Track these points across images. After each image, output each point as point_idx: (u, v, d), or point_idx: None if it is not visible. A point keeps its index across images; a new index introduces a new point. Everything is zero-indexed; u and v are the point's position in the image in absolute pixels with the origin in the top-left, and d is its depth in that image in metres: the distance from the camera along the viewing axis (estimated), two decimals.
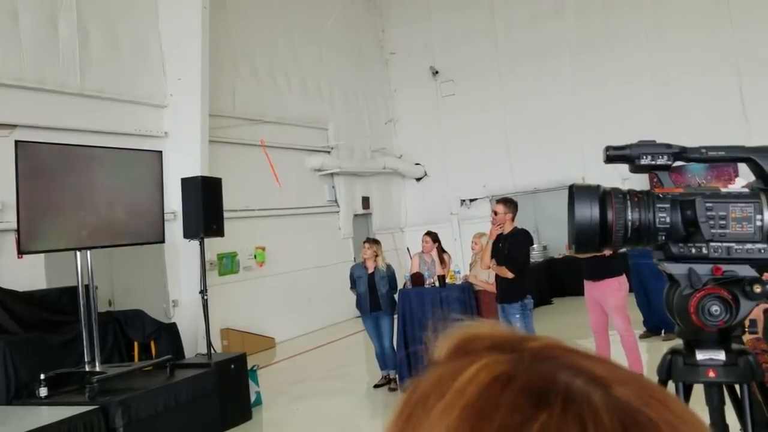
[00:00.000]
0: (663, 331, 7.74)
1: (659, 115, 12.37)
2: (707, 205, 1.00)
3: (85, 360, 5.78)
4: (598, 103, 13.17)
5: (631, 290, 6.89)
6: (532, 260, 7.02)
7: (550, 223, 12.92)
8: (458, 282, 7.17)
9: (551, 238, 12.85)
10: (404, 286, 7.22)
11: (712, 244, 1.02)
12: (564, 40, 13.82)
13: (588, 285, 6.42)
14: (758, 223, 1.00)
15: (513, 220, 6.18)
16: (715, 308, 1.00)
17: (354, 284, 7.19)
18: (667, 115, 12.26)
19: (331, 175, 13.09)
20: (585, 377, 0.36)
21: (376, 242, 7.32)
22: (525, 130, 14.02)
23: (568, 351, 0.39)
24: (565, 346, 0.39)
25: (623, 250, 6.48)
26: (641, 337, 7.70)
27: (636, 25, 13.11)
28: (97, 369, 5.72)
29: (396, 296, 7.18)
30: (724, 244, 1.02)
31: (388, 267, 7.21)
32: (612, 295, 6.22)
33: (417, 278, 7.15)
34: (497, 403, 0.34)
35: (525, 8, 14.22)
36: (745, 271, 1.01)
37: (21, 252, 5.82)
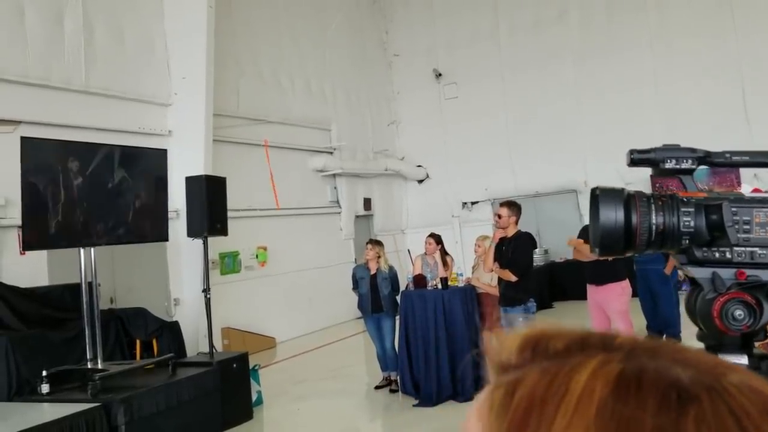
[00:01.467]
0: (664, 337, 7.75)
1: (662, 121, 12.38)
2: (732, 209, 1.00)
3: (87, 357, 5.78)
4: (601, 108, 13.19)
5: (635, 295, 6.89)
6: (533, 264, 7.02)
7: (551, 227, 12.93)
8: (460, 284, 7.17)
9: (553, 242, 12.86)
10: (406, 287, 7.22)
11: (736, 248, 1.02)
12: (568, 45, 13.83)
13: (591, 289, 6.42)
14: None
15: (517, 223, 6.18)
16: (739, 312, 1.00)
17: (356, 285, 7.20)
18: (669, 121, 12.27)
19: (334, 176, 13.10)
20: (696, 369, 0.36)
21: (378, 243, 7.32)
22: (527, 133, 14.03)
23: (657, 344, 0.39)
24: (647, 340, 0.39)
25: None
26: None
27: (640, 31, 13.12)
28: (99, 366, 5.71)
29: (398, 298, 7.17)
30: (748, 249, 1.02)
31: (391, 268, 7.22)
32: (615, 299, 6.23)
33: (419, 280, 7.14)
34: (640, 403, 0.33)
35: (529, 12, 14.23)
36: None
37: (24, 248, 5.83)
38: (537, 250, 10.84)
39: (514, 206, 6.29)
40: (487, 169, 14.35)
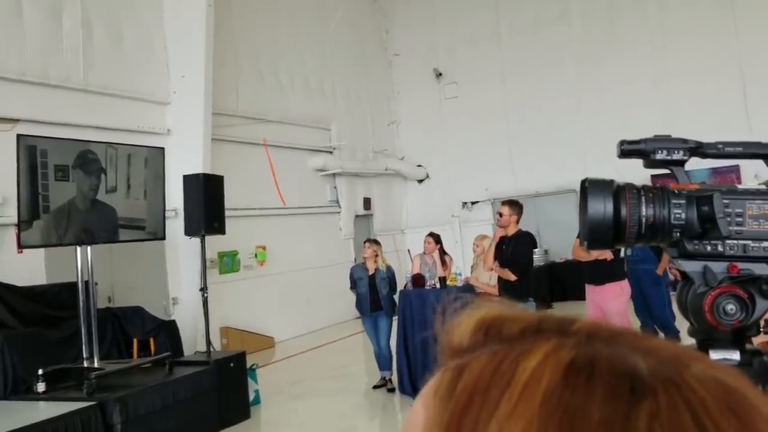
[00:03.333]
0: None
1: (662, 121, 12.33)
2: (724, 201, 0.98)
3: (84, 356, 5.76)
4: (601, 108, 13.16)
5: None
6: (533, 263, 6.99)
7: (551, 227, 12.89)
8: (459, 284, 7.14)
9: (552, 242, 12.83)
10: (405, 287, 7.20)
11: (728, 241, 0.99)
12: (568, 44, 13.81)
13: (590, 289, 6.40)
14: None
15: (518, 222, 6.17)
16: (731, 307, 0.98)
17: (354, 285, 7.17)
18: (670, 121, 12.21)
19: (333, 175, 13.07)
20: (656, 358, 0.33)
21: (376, 242, 7.31)
22: (527, 133, 14.00)
23: (618, 330, 0.36)
24: (608, 326, 0.37)
25: (622, 255, 6.42)
26: None
27: (640, 31, 13.10)
28: (96, 365, 5.69)
29: (396, 297, 7.15)
30: (741, 242, 0.99)
31: (389, 268, 7.19)
32: (614, 299, 6.20)
33: (418, 279, 7.12)
34: (589, 393, 0.31)
35: (530, 12, 14.21)
36: (762, 269, 0.99)
37: (21, 246, 5.81)
38: (537, 250, 10.82)
39: (515, 205, 6.27)
40: (487, 169, 14.32)
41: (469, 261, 8.42)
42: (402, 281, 7.57)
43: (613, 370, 0.32)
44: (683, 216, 0.99)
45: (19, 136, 5.57)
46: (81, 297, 5.80)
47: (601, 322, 0.37)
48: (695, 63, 12.45)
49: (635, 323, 6.96)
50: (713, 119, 11.81)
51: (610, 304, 6.20)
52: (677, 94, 12.53)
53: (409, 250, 9.31)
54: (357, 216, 13.67)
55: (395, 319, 7.07)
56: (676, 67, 12.68)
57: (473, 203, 14.86)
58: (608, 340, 0.35)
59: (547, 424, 0.30)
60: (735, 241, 0.99)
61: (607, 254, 6.10)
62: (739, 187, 1.01)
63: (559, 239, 12.05)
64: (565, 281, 11.66)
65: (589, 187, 1.02)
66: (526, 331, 0.37)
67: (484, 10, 14.63)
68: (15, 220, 5.83)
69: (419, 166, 15.40)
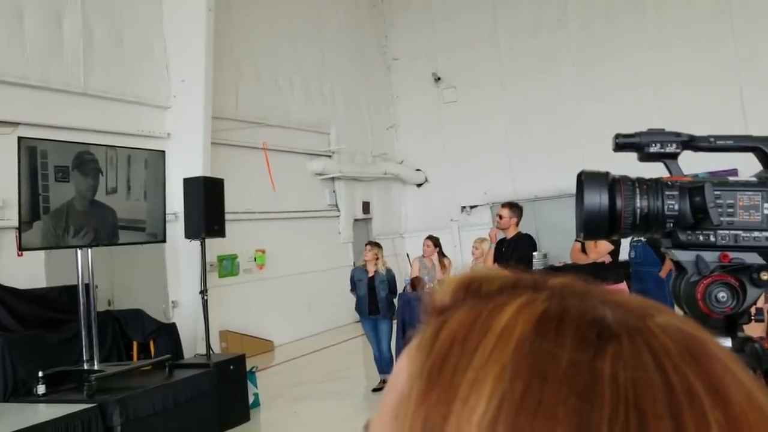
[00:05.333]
0: None
1: (661, 124, 12.12)
2: (716, 192, 1.00)
3: (84, 358, 5.77)
4: (600, 112, 13.19)
5: None
6: (533, 268, 7.02)
7: (550, 231, 12.90)
8: None
9: (552, 246, 12.84)
10: (404, 290, 7.22)
11: (719, 231, 1.02)
12: (567, 49, 13.86)
13: None
14: (765, 212, 1.01)
15: (517, 224, 6.18)
16: (722, 295, 1.00)
17: (354, 287, 7.20)
18: (668, 126, 12.08)
19: (332, 179, 13.10)
20: (623, 309, 0.36)
21: (377, 245, 7.33)
22: (526, 137, 14.04)
23: (589, 286, 0.39)
24: (582, 283, 0.39)
25: (621, 258, 6.42)
26: None
27: (638, 35, 13.15)
28: (96, 367, 5.71)
29: (395, 300, 7.17)
30: (732, 232, 1.02)
31: (388, 271, 7.22)
32: None
33: (417, 282, 7.15)
34: (558, 339, 0.33)
35: (528, 17, 14.26)
36: (753, 258, 1.02)
37: (21, 249, 5.83)
38: (537, 253, 10.83)
39: (515, 207, 6.29)
40: (486, 172, 14.34)
41: (469, 265, 8.45)
42: (401, 284, 7.60)
43: (581, 319, 0.34)
44: (676, 207, 1.02)
45: (20, 139, 5.60)
46: (81, 300, 5.82)
47: (577, 280, 0.40)
48: (693, 68, 12.49)
49: None
50: (711, 124, 11.72)
51: None
52: (675, 99, 12.57)
53: (408, 254, 9.35)
54: (356, 220, 13.69)
55: (395, 322, 7.10)
56: (674, 71, 12.73)
57: (472, 207, 14.88)
58: (580, 294, 0.37)
59: (519, 368, 0.33)
60: (726, 231, 1.02)
61: (605, 257, 6.13)
62: (731, 179, 1.04)
63: (558, 243, 12.06)
64: None
65: (585, 179, 1.04)
66: (503, 288, 0.39)
67: (483, 15, 14.68)
68: (15, 223, 5.84)
69: (418, 170, 15.43)
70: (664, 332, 0.34)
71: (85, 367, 5.70)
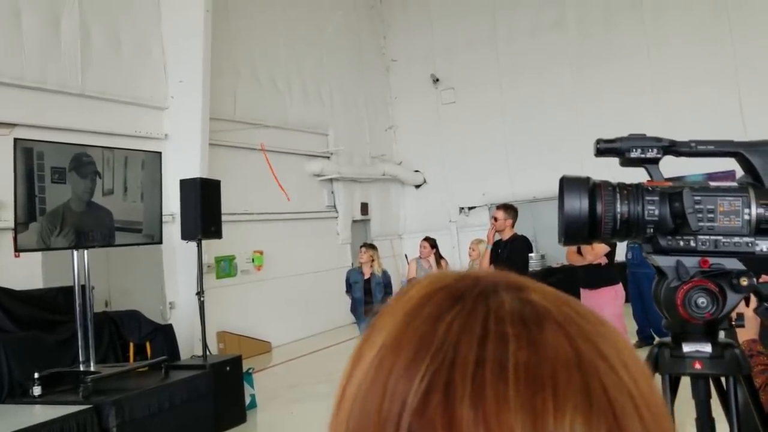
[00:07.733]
0: (655, 341, 7.73)
1: (658, 127, 12.16)
2: (695, 198, 1.01)
3: (80, 360, 5.76)
4: (598, 114, 13.18)
5: (627, 300, 6.88)
6: (529, 269, 7.02)
7: (548, 232, 12.90)
8: None
9: (549, 247, 12.86)
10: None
11: (700, 236, 1.02)
12: (565, 51, 13.86)
13: (584, 294, 6.41)
14: (746, 217, 1.01)
15: (513, 226, 6.19)
16: (702, 300, 1.00)
17: (350, 288, 7.20)
18: (666, 128, 12.08)
19: (331, 180, 13.10)
20: (507, 286, 0.42)
21: (372, 247, 7.33)
22: (525, 139, 14.04)
23: (515, 277, 0.45)
24: (517, 276, 0.45)
25: (617, 260, 6.42)
26: (635, 346, 7.69)
27: (637, 37, 13.15)
28: (92, 369, 5.70)
29: None
30: (712, 237, 1.02)
31: (384, 273, 7.22)
32: (608, 303, 6.21)
33: None
34: (428, 302, 0.42)
35: (527, 18, 14.26)
36: (733, 264, 1.02)
37: (18, 250, 5.82)
38: (534, 255, 10.83)
39: (510, 209, 6.30)
40: (485, 174, 14.34)
41: (466, 266, 8.44)
42: (397, 286, 7.60)
43: (456, 289, 0.42)
44: (656, 212, 1.02)
45: (16, 140, 5.59)
46: (77, 301, 5.81)
47: (514, 274, 0.46)
48: (691, 70, 12.49)
49: (631, 327, 6.99)
50: (709, 126, 11.83)
51: (604, 308, 6.20)
52: (673, 101, 12.57)
53: (406, 255, 9.34)
54: (354, 221, 13.69)
55: None
56: (672, 73, 12.73)
57: (470, 208, 14.88)
58: (492, 279, 0.44)
59: (401, 321, 0.42)
60: (707, 237, 1.02)
61: (602, 259, 6.13)
62: (712, 184, 1.04)
63: (556, 244, 11.98)
64: (561, 287, 11.51)
65: (565, 185, 1.05)
66: (431, 282, 0.46)
67: (482, 17, 14.69)
68: (11, 224, 5.84)
69: (416, 171, 15.43)
70: (514, 301, 0.41)
71: (81, 369, 5.69)
